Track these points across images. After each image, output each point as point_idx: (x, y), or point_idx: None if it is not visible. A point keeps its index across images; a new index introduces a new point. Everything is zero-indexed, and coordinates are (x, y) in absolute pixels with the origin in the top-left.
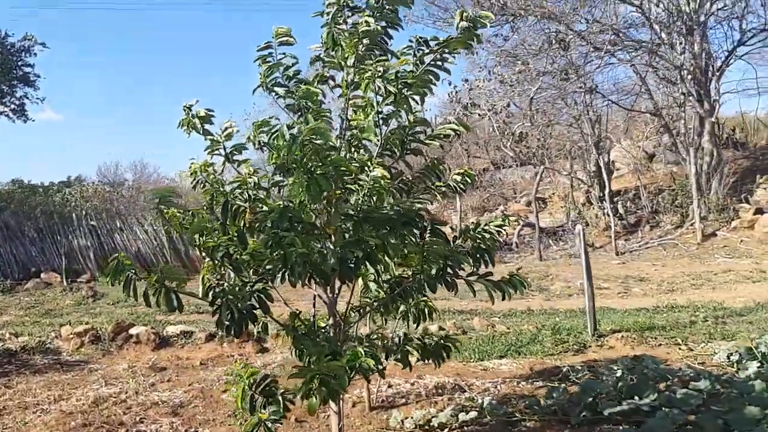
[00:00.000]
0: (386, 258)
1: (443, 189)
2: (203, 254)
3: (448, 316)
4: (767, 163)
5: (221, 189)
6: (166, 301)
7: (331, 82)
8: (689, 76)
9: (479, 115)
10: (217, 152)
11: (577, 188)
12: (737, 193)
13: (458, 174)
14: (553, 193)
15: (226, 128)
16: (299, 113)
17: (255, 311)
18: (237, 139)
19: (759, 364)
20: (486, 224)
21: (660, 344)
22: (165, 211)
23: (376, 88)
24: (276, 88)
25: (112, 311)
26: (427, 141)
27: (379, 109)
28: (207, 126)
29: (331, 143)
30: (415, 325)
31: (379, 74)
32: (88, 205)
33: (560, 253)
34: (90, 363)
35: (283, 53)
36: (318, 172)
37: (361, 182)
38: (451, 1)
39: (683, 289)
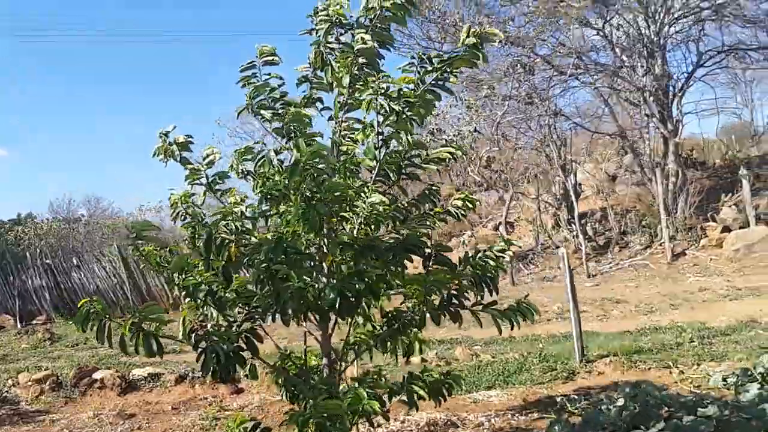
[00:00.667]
0: (388, 290)
1: (443, 215)
2: (182, 293)
3: (428, 346)
4: (729, 181)
5: (204, 220)
6: (145, 347)
7: (319, 104)
8: (651, 98)
9: (446, 140)
10: (197, 182)
11: (545, 211)
12: (703, 212)
13: (459, 199)
14: (519, 217)
15: (207, 155)
16: (288, 137)
17: (242, 353)
18: (215, 169)
19: (759, 386)
20: (488, 249)
21: (650, 368)
22: (141, 248)
23: (378, 107)
24: (263, 111)
25: (71, 354)
26: (423, 165)
27: (380, 130)
28: (185, 154)
29: (333, 167)
30: (404, 358)
31: (382, 91)
32: (43, 243)
33: (532, 276)
34: (51, 412)
35: (268, 74)
36: (317, 199)
37: (357, 209)
38: (415, 27)
39: (662, 309)
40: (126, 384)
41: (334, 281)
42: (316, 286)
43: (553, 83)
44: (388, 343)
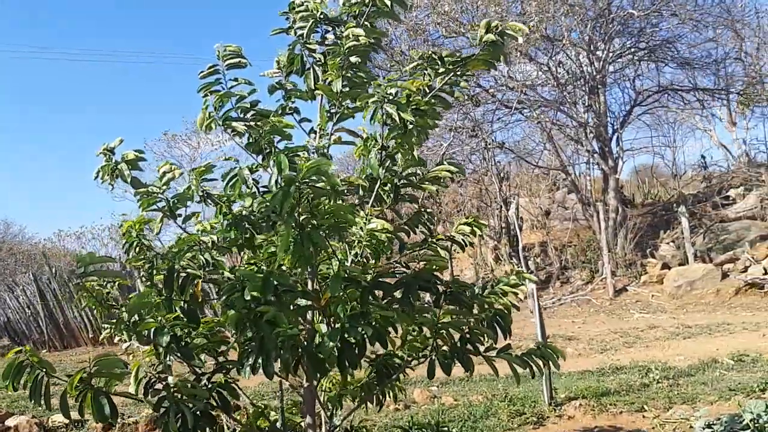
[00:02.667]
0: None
1: (446, 243)
2: (132, 338)
3: (403, 392)
4: (665, 219)
5: (161, 252)
6: (95, 409)
7: (296, 116)
8: (592, 134)
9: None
10: (154, 206)
11: (485, 244)
12: (641, 248)
13: (465, 224)
14: (456, 250)
15: (164, 173)
16: (264, 154)
17: (213, 412)
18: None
19: None
20: (497, 283)
21: (621, 411)
22: (90, 286)
23: (384, 116)
24: (234, 123)
25: None
26: (421, 185)
27: (385, 144)
28: (136, 173)
29: (337, 186)
30: (378, 408)
31: (390, 97)
32: None
33: None
34: None
35: (235, 79)
36: (312, 226)
37: (353, 237)
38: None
39: (616, 347)
40: None
41: (331, 325)
42: (313, 331)
43: (497, 116)
44: (374, 392)
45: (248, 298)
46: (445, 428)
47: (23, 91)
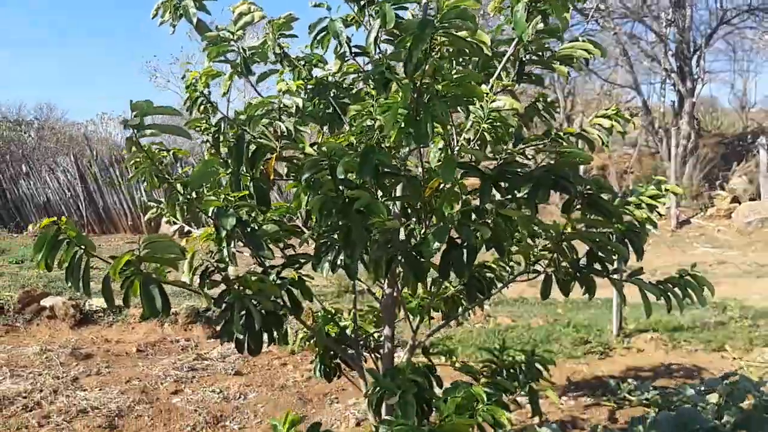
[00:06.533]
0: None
1: (572, 138)
2: (185, 219)
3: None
4: (738, 150)
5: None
6: (145, 301)
7: None
8: (670, 52)
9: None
10: (225, 55)
11: None
12: (710, 180)
13: (604, 116)
14: None
15: (240, 15)
16: (361, 4)
17: (281, 312)
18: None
19: None
20: (632, 194)
21: (696, 349)
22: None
23: None
24: None
25: (16, 273)
26: (551, 64)
27: None
28: (203, 15)
29: (483, 40)
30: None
31: None
32: None
33: None
34: None
35: None
36: (433, 93)
37: (471, 117)
38: None
39: None
40: (81, 315)
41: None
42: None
43: (570, 24)
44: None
45: (341, 177)
46: (540, 355)
47: None
